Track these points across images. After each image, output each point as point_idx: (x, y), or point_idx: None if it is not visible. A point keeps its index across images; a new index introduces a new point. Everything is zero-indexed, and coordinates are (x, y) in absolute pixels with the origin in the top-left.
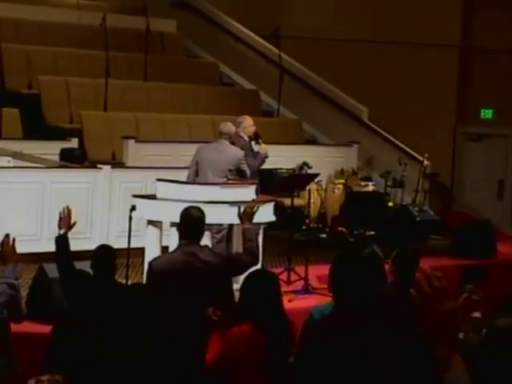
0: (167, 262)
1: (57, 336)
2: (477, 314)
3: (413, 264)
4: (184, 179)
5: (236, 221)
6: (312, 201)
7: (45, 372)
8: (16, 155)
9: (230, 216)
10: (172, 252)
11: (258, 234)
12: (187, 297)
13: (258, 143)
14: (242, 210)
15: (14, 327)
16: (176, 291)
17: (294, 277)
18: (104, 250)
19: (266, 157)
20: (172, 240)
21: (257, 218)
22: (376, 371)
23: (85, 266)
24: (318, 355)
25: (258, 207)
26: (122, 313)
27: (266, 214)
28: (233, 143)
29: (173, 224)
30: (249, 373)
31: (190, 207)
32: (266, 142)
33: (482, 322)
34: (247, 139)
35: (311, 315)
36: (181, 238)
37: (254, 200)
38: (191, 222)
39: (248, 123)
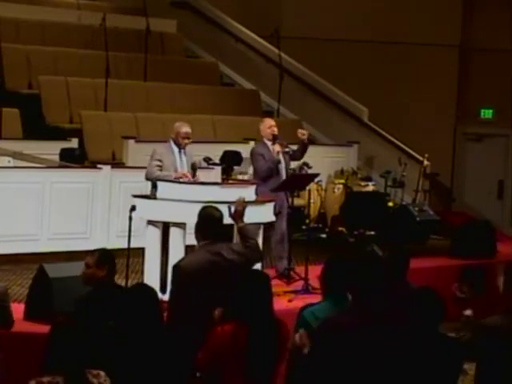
0: (195, 262)
1: (56, 337)
2: (468, 312)
3: (403, 264)
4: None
5: None
6: (312, 201)
7: (45, 373)
8: (16, 155)
9: None
10: (196, 252)
11: (257, 234)
12: (216, 297)
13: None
14: (232, 209)
15: (14, 327)
16: (205, 291)
17: (294, 277)
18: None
19: (276, 162)
20: (172, 240)
21: (257, 218)
22: (390, 369)
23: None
24: (330, 355)
25: (247, 204)
26: (123, 315)
27: (266, 213)
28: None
29: (174, 224)
30: (232, 372)
31: (208, 207)
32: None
33: (473, 321)
34: (268, 142)
35: (303, 316)
36: (202, 238)
37: (239, 198)
38: (213, 222)
39: (264, 125)
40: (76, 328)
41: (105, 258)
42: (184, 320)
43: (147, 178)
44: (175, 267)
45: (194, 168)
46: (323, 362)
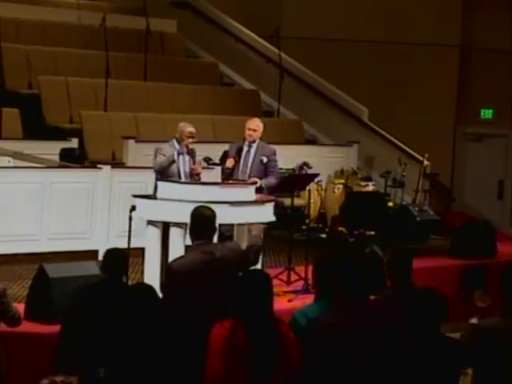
0: (187, 263)
1: (66, 335)
2: (474, 320)
3: (406, 264)
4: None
5: (235, 221)
6: (312, 201)
7: (57, 372)
8: (16, 155)
9: (229, 216)
10: (189, 253)
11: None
12: (210, 296)
13: None
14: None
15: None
16: (198, 291)
17: (294, 277)
18: (115, 253)
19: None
20: (172, 240)
21: (257, 218)
22: (378, 370)
23: (85, 265)
24: (315, 356)
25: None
26: (130, 314)
27: (266, 213)
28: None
29: (174, 224)
30: (232, 369)
31: (200, 207)
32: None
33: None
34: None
35: (295, 318)
36: (195, 238)
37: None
38: (206, 222)
39: None
40: (85, 328)
41: (105, 260)
42: (178, 320)
43: (156, 169)
44: (168, 268)
45: (193, 155)
46: (312, 361)
